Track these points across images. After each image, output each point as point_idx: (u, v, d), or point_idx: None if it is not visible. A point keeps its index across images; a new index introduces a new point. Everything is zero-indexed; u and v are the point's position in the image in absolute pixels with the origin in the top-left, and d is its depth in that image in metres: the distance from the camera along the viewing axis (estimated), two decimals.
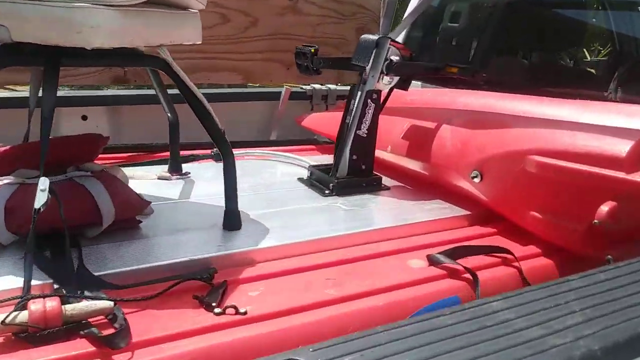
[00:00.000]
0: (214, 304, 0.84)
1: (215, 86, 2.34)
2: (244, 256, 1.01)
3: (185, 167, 1.53)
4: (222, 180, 1.32)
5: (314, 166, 1.51)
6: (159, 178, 1.42)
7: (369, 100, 1.40)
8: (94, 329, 0.76)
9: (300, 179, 1.50)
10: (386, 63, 1.37)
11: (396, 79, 1.43)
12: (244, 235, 1.09)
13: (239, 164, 1.63)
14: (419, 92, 1.79)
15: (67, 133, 1.97)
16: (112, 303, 0.79)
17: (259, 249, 1.03)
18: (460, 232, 1.24)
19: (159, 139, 1.82)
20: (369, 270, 1.02)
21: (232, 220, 1.11)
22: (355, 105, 1.43)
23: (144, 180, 1.40)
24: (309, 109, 2.34)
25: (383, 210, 1.30)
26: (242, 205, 1.25)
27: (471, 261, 1.06)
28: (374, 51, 1.39)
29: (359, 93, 1.43)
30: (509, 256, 1.09)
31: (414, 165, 1.48)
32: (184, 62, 2.07)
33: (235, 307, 0.83)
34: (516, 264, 1.07)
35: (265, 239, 1.07)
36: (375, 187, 1.45)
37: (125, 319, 0.78)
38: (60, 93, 1.97)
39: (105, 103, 1.98)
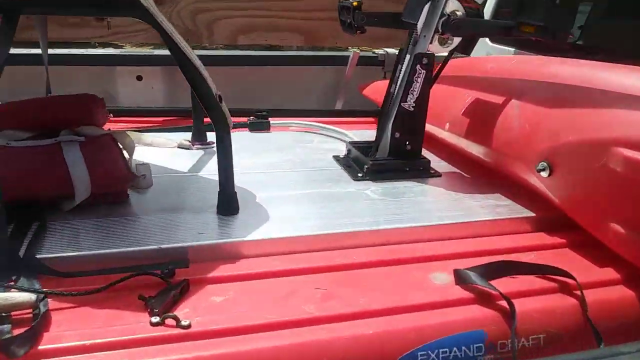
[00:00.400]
0: (155, 310, 0.68)
1: (274, 48, 2.16)
2: (223, 249, 0.84)
3: (213, 135, 1.40)
4: (248, 153, 1.17)
5: (353, 143, 1.30)
6: (179, 146, 1.29)
7: (418, 66, 1.14)
8: (5, 327, 0.64)
9: (336, 157, 1.29)
10: (442, 20, 1.10)
11: (456, 40, 1.16)
12: (236, 223, 0.92)
13: (278, 135, 1.52)
14: (496, 59, 1.48)
15: (122, 93, 1.96)
16: (33, 297, 0.67)
17: (244, 241, 0.86)
18: (514, 239, 0.97)
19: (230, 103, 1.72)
20: (374, 281, 0.81)
21: (225, 204, 0.94)
22: (402, 72, 1.18)
23: (163, 148, 1.28)
24: (381, 76, 2.09)
25: (420, 204, 1.05)
26: (257, 184, 1.09)
27: (513, 284, 0.80)
28: (428, 4, 1.12)
29: (407, 57, 1.18)
30: (569, 281, 0.81)
31: (473, 148, 1.21)
32: (238, 20, 1.95)
33: (176, 318, 0.67)
34: (577, 292, 0.79)
35: (258, 230, 0.89)
36: (420, 172, 1.20)
37: (43, 319, 0.65)
38: (114, 51, 1.95)
39: (161, 63, 1.89)
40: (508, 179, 1.12)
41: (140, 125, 1.47)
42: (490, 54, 2.26)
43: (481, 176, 1.22)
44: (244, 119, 1.51)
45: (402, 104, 1.16)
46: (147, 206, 0.98)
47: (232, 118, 1.57)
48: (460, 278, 0.80)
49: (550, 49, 1.44)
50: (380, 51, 2.08)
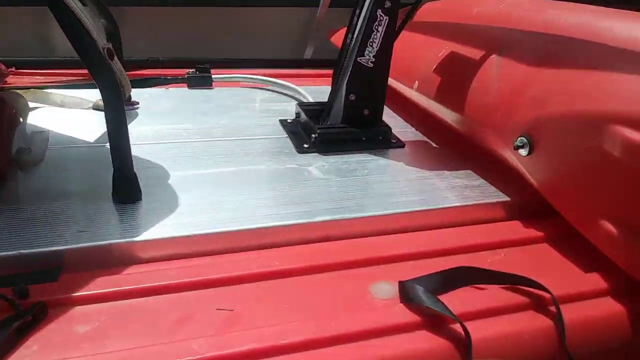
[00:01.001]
0: None
1: None
2: (104, 253, 0.66)
3: (141, 93, 1.19)
4: (176, 117, 0.97)
5: (303, 105, 1.09)
6: (94, 108, 1.08)
7: (379, 12, 0.92)
8: None
9: (284, 122, 1.09)
10: None
11: None
12: (132, 215, 0.73)
13: (221, 93, 1.28)
14: (485, 2, 1.25)
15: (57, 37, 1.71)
16: None
17: (132, 242, 0.67)
18: (482, 232, 0.79)
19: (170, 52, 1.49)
20: (297, 297, 0.63)
21: (121, 190, 0.75)
22: (360, 19, 0.96)
23: (76, 109, 1.07)
24: None
25: (372, 184, 0.86)
26: (176, 158, 0.90)
27: (471, 299, 0.63)
28: None
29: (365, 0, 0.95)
30: (543, 294, 0.64)
31: (444, 113, 1.01)
32: None
33: None
34: (552, 309, 0.63)
35: (157, 225, 0.70)
36: (380, 142, 1.01)
37: None
38: None
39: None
40: (483, 150, 0.94)
41: (55, 79, 1.25)
42: None
43: (452, 146, 1.03)
44: (184, 72, 1.29)
45: (358, 58, 0.95)
46: (25, 191, 0.78)
47: (171, 71, 1.38)
48: (405, 294, 0.63)
49: None
50: None
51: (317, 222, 0.75)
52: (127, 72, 1.34)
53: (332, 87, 1.02)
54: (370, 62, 0.95)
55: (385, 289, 0.66)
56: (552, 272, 0.71)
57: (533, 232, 0.80)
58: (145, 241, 0.68)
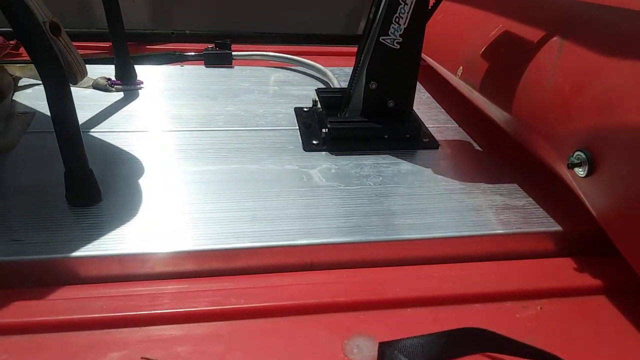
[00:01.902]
0: None
1: None
2: (33, 270, 0.55)
3: (154, 71, 1.07)
4: (185, 100, 0.88)
5: (323, 91, 0.93)
6: (94, 87, 0.98)
7: None
8: None
9: (300, 111, 0.93)
10: None
11: None
12: (79, 223, 0.61)
13: (241, 72, 1.12)
14: None
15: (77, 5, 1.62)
16: None
17: (67, 259, 0.56)
18: (518, 272, 0.60)
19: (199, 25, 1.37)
20: (253, 349, 0.49)
21: (73, 192, 0.64)
22: None
23: (73, 88, 0.97)
24: None
25: (384, 197, 0.69)
26: (163, 150, 0.78)
27: None
28: None
29: None
30: None
31: (490, 109, 0.81)
32: None
33: None
34: None
35: (102, 238, 0.58)
36: (406, 142, 0.83)
37: None
38: None
39: None
40: (534, 159, 0.73)
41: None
42: None
43: (498, 151, 0.83)
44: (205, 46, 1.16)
45: (381, 38, 0.77)
46: None
47: (194, 45, 1.26)
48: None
49: None
50: None
51: (299, 245, 0.60)
52: (149, 47, 1.26)
53: (352, 72, 0.85)
54: (397, 42, 0.77)
55: (364, 348, 0.50)
56: (605, 344, 0.52)
57: (587, 278, 0.60)
58: (82, 258, 0.56)
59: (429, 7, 0.77)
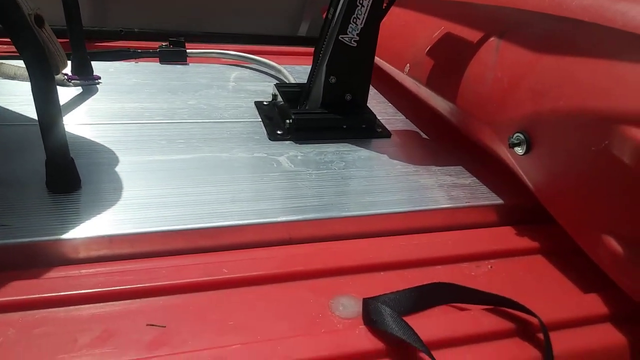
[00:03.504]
0: None
1: None
2: (27, 252, 0.57)
3: (108, 67, 1.08)
4: (142, 95, 0.88)
5: (281, 86, 0.99)
6: None
7: None
8: None
9: (259, 105, 0.99)
10: None
11: None
12: (63, 208, 0.62)
13: (196, 69, 1.15)
14: None
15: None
16: None
17: (55, 241, 0.58)
18: (470, 238, 0.70)
19: (152, 24, 1.38)
20: (246, 312, 0.54)
21: (55, 178, 0.66)
22: None
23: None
24: None
25: (348, 179, 0.77)
26: (134, 141, 0.80)
27: (445, 323, 0.54)
28: None
29: None
30: (530, 319, 0.55)
31: (436, 101, 0.91)
32: None
33: None
34: (540, 337, 0.53)
35: (89, 221, 0.61)
36: (363, 131, 0.91)
37: None
38: None
39: None
40: (476, 144, 0.84)
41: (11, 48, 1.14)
42: None
43: (444, 138, 0.93)
44: (159, 44, 1.18)
45: (340, 36, 0.84)
46: None
47: (145, 43, 1.27)
48: (368, 314, 0.54)
49: None
50: None
51: (278, 222, 0.65)
52: (98, 44, 1.26)
53: (312, 68, 0.91)
54: (354, 40, 0.85)
55: (348, 305, 0.57)
56: (544, 291, 0.62)
57: (527, 242, 0.70)
58: (74, 240, 0.58)
59: (383, 8, 0.85)
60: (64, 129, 0.63)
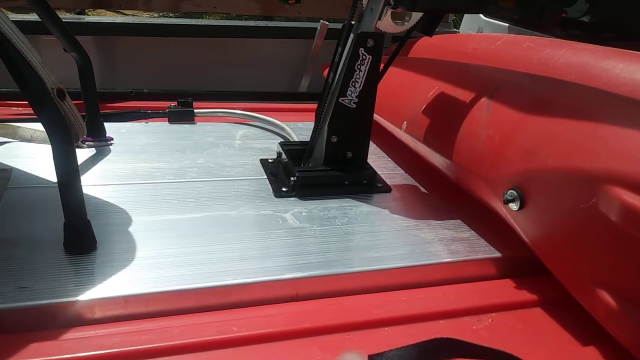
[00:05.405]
0: None
1: (228, 17, 1.88)
2: (43, 314, 0.59)
3: (119, 128, 1.14)
4: (151, 154, 0.96)
5: (285, 144, 1.03)
6: None
7: (361, 50, 0.87)
8: None
9: (265, 162, 1.03)
10: None
11: (414, 16, 0.88)
12: (79, 269, 0.66)
13: (204, 128, 1.20)
14: (482, 39, 1.20)
15: (50, 65, 1.67)
16: None
17: (77, 302, 0.60)
18: (470, 292, 0.72)
19: (161, 84, 1.44)
20: None
21: (72, 240, 0.69)
22: (343, 58, 0.91)
23: (45, 145, 1.02)
24: None
25: (351, 235, 0.79)
26: (143, 201, 0.84)
27: None
28: None
29: (350, 37, 0.91)
30: None
31: (433, 157, 0.95)
32: None
33: None
34: None
35: (104, 282, 0.63)
36: (364, 187, 0.95)
37: None
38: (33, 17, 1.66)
39: (92, 32, 1.60)
40: (474, 198, 0.87)
41: (28, 111, 1.20)
42: (482, 30, 1.97)
43: (442, 192, 0.96)
44: (166, 105, 1.24)
45: (340, 99, 0.90)
46: None
47: (154, 103, 1.33)
48: None
49: (544, 25, 1.16)
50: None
51: (285, 279, 0.68)
52: (109, 105, 1.32)
53: (314, 127, 0.96)
54: (353, 102, 0.90)
55: None
56: (545, 345, 0.64)
57: (526, 294, 0.72)
58: (90, 301, 0.61)
59: (379, 71, 0.90)
60: (82, 193, 0.67)
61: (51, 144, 0.64)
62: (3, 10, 0.64)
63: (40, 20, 0.97)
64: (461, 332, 0.63)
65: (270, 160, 1.03)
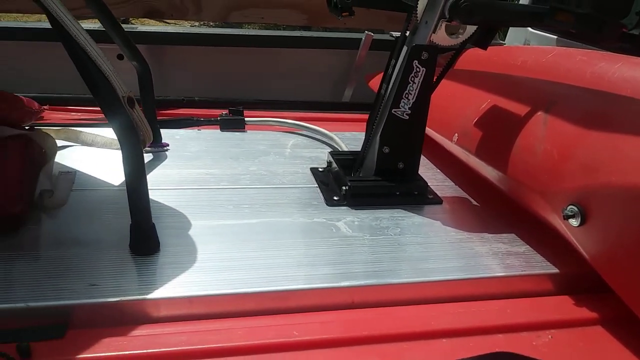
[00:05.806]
0: None
1: (272, 27, 1.91)
2: (113, 311, 0.62)
3: (173, 134, 1.17)
4: (205, 161, 1.00)
5: (335, 154, 1.05)
6: None
7: (415, 62, 0.88)
8: None
9: (315, 171, 1.04)
10: (449, 1, 0.83)
11: (469, 29, 0.89)
12: (145, 269, 0.68)
13: (254, 137, 1.24)
14: (533, 51, 1.19)
15: None
16: None
17: (144, 300, 0.63)
18: (528, 307, 0.71)
19: (209, 92, 1.48)
20: None
21: (138, 242, 0.72)
22: (396, 69, 0.92)
23: (106, 149, 1.06)
24: None
25: (404, 246, 0.80)
26: (200, 206, 0.87)
27: None
28: None
29: (404, 49, 0.92)
30: None
31: (486, 170, 0.94)
32: None
33: None
34: None
35: (169, 283, 0.66)
36: (415, 198, 0.95)
37: None
38: (92, 26, 1.74)
39: (146, 41, 1.66)
40: (529, 212, 0.86)
41: (89, 116, 1.25)
42: (529, 42, 1.95)
43: (495, 206, 0.95)
44: (218, 112, 1.27)
45: (393, 110, 0.90)
46: (42, 237, 0.76)
47: (205, 111, 1.37)
48: None
49: (603, 40, 1.14)
50: (398, 34, 1.81)
51: (342, 287, 0.69)
52: (162, 112, 1.36)
53: (365, 138, 0.97)
54: (406, 114, 0.91)
55: None
56: None
57: (585, 312, 0.71)
58: (157, 300, 0.63)
59: (433, 82, 0.91)
60: (149, 197, 0.70)
61: (121, 149, 0.67)
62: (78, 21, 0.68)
63: (102, 29, 1.01)
64: (521, 347, 0.63)
65: (320, 169, 1.04)
